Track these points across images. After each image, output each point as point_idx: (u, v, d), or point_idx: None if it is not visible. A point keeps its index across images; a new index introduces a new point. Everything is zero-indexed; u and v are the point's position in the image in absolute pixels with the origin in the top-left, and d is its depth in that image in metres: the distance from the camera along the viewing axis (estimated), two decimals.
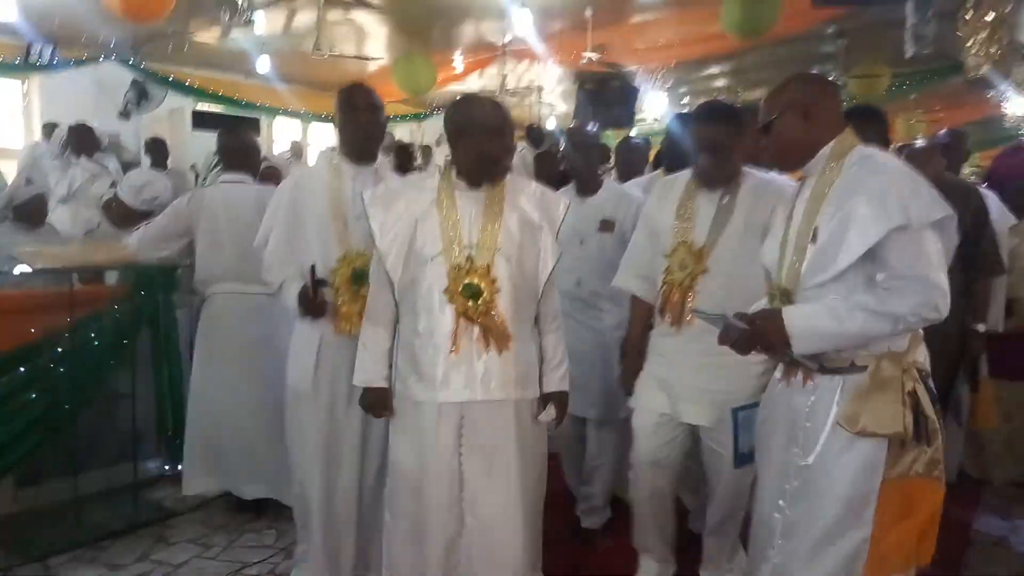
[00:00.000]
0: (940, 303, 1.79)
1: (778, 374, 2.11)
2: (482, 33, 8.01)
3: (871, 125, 2.56)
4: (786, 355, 1.93)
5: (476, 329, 2.17)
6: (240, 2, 5.98)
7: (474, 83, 10.09)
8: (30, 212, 3.94)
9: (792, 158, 2.04)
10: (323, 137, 11.48)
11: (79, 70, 8.23)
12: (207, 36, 7.61)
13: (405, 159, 7.02)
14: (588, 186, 3.08)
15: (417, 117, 11.47)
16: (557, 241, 2.28)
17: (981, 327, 3.43)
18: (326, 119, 10.72)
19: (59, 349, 2.81)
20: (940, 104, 11.39)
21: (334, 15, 7.25)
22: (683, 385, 2.48)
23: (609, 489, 3.14)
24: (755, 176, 2.51)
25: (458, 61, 9.02)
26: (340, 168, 2.59)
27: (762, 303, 2.11)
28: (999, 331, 3.68)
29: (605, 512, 3.19)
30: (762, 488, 2.14)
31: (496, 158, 2.19)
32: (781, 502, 2.00)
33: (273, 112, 10.01)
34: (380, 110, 2.61)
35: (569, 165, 3.39)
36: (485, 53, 8.63)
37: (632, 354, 2.66)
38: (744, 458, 2.38)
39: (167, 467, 3.44)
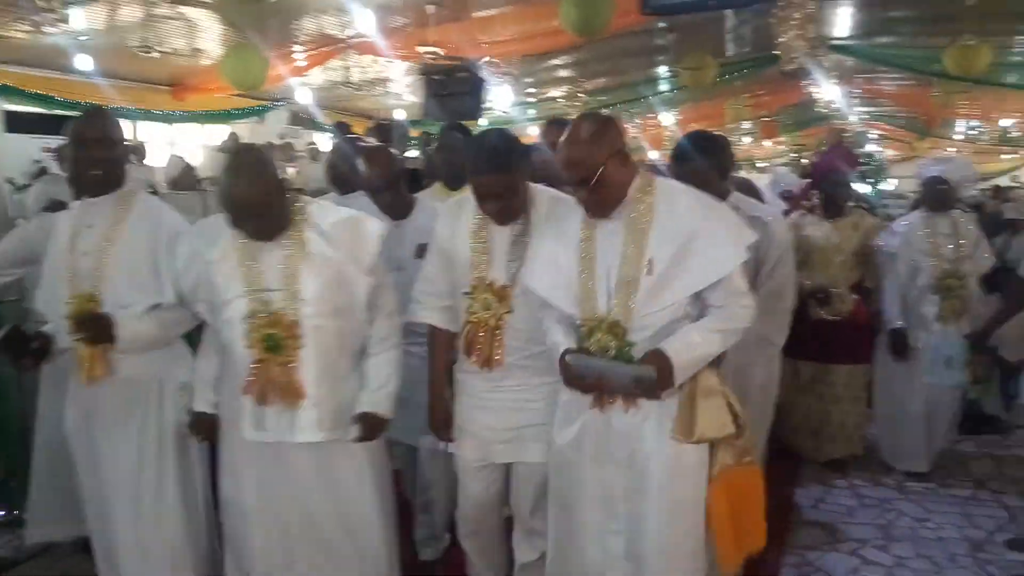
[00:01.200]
0: (754, 308, 2.12)
1: (581, 403, 2.13)
2: (323, 27, 7.83)
3: (716, 157, 2.80)
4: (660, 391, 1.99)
5: (276, 376, 2.19)
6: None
7: (318, 76, 9.86)
8: None
9: (615, 203, 2.08)
10: (157, 135, 10.81)
11: None
12: (17, 31, 6.98)
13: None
14: (401, 209, 2.92)
15: (257, 111, 11.03)
16: (372, 269, 2.29)
17: None
18: (158, 117, 10.12)
19: None
20: (762, 89, 12.31)
21: (162, 9, 6.85)
22: (497, 428, 2.42)
23: (446, 520, 3.06)
24: (542, 195, 2.43)
25: (300, 55, 8.79)
26: (81, 207, 2.55)
27: (560, 337, 2.13)
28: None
29: (443, 541, 3.16)
30: (579, 515, 2.18)
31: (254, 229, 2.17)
32: (614, 525, 2.11)
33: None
34: (103, 143, 2.48)
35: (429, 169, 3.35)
36: (328, 46, 8.45)
37: (438, 392, 2.52)
38: None
39: (1, 512, 3.21)
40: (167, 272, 2.48)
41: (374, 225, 2.35)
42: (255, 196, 2.12)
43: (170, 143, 10.61)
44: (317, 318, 2.21)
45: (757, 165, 27.86)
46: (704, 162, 2.74)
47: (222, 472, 2.40)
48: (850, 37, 9.36)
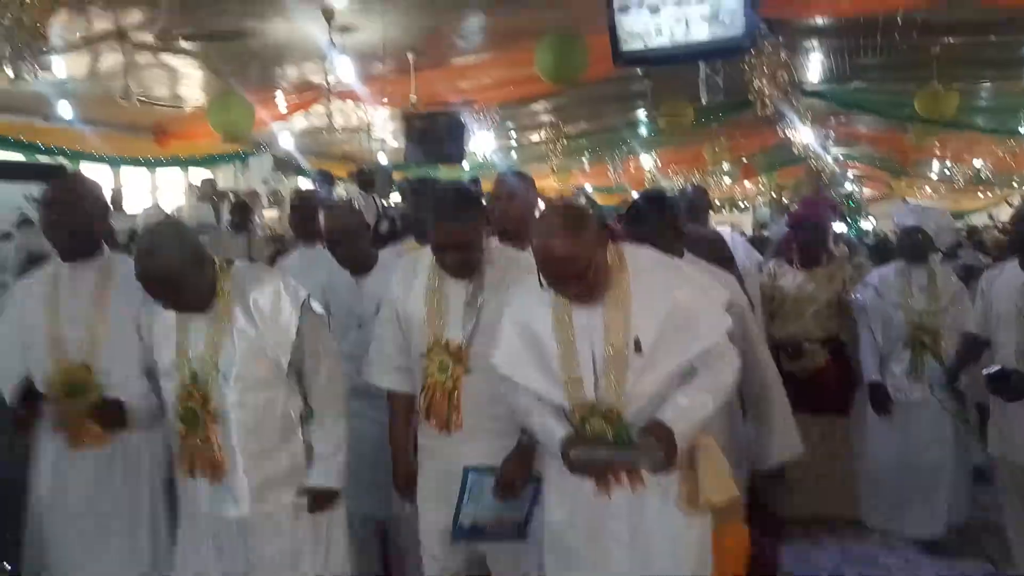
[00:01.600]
0: (738, 358, 2.06)
1: (579, 489, 1.99)
2: (304, 74, 7.94)
3: (668, 217, 2.71)
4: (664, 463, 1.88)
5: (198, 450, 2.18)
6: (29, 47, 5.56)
7: (300, 121, 9.96)
8: None
9: (603, 288, 1.98)
10: (136, 181, 10.84)
11: None
12: None
13: (244, 216, 6.78)
14: (361, 264, 2.89)
15: (240, 157, 11.09)
16: (294, 344, 2.20)
17: None
18: (140, 163, 10.16)
19: None
20: (739, 132, 12.54)
21: (144, 57, 6.93)
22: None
23: None
24: (497, 252, 2.41)
25: (281, 100, 8.90)
26: (57, 269, 2.48)
27: (553, 423, 2.00)
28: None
29: None
30: None
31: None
32: None
33: (78, 157, 9.31)
34: (73, 204, 2.42)
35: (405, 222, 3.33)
36: (309, 93, 8.56)
37: (400, 453, 2.46)
38: (463, 532, 2.27)
39: None
40: None
41: (296, 297, 2.25)
42: (165, 272, 2.08)
43: (153, 189, 10.64)
44: (236, 393, 2.17)
45: (739, 204, 28.37)
46: (657, 223, 2.65)
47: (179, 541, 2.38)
48: (822, 83, 9.62)
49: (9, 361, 2.47)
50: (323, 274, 3.11)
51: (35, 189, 8.00)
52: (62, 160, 8.88)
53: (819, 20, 6.91)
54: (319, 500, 2.29)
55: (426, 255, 2.38)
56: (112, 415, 2.37)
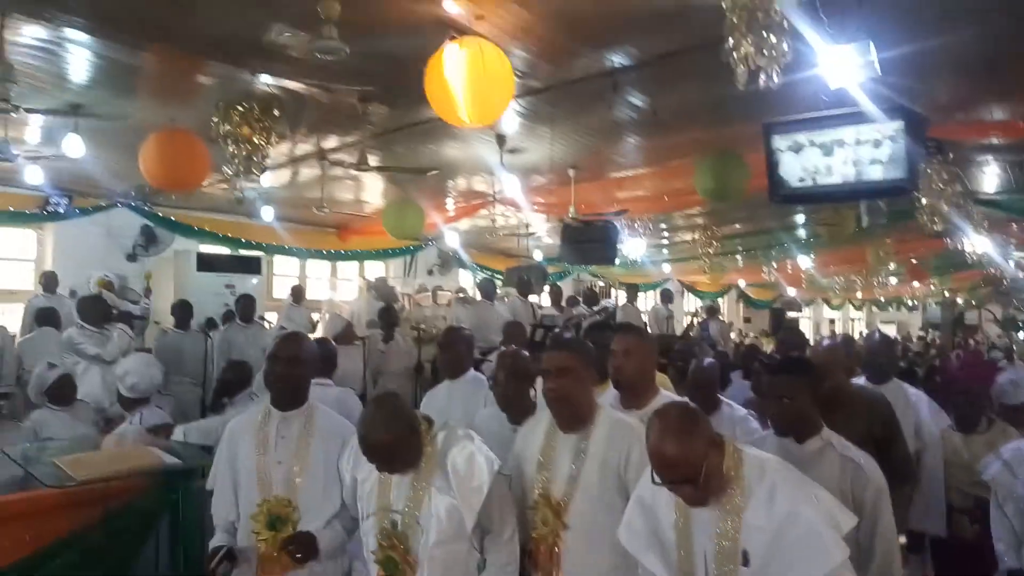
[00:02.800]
0: None
1: None
2: (472, 185, 8.59)
3: (803, 381, 2.63)
4: None
5: None
6: (250, 167, 6.48)
7: (466, 223, 10.67)
8: (61, 394, 4.25)
9: (717, 491, 2.00)
10: (320, 272, 11.97)
11: (91, 217, 8.72)
12: (212, 185, 8.14)
13: (391, 319, 7.35)
14: (519, 413, 2.91)
15: (410, 251, 11.99)
16: (481, 505, 2.32)
17: (901, 537, 3.23)
18: (322, 255, 11.25)
19: (89, 541, 3.04)
20: (908, 236, 12.00)
21: (334, 170, 7.80)
22: None
23: None
24: (609, 414, 2.51)
25: (451, 204, 9.64)
26: (269, 414, 2.78)
27: None
28: (942, 535, 3.77)
29: None
30: None
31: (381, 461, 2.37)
32: None
33: (273, 251, 10.48)
34: (299, 362, 2.76)
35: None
36: (476, 199, 9.21)
37: None
38: None
39: None
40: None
41: (488, 462, 2.40)
42: (386, 442, 2.33)
43: (333, 284, 11.69)
44: (431, 547, 2.34)
45: (908, 303, 26.68)
46: (795, 389, 2.60)
47: None
48: (998, 192, 9.14)
49: (226, 496, 2.78)
50: (471, 409, 3.30)
51: (235, 279, 9.18)
52: (259, 252, 10.05)
53: (993, 140, 6.68)
54: None
55: (546, 416, 2.53)
56: (306, 547, 2.61)
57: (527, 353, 3.19)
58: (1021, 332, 18.14)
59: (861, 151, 4.38)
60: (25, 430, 4.06)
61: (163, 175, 5.63)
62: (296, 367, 2.76)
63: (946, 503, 3.81)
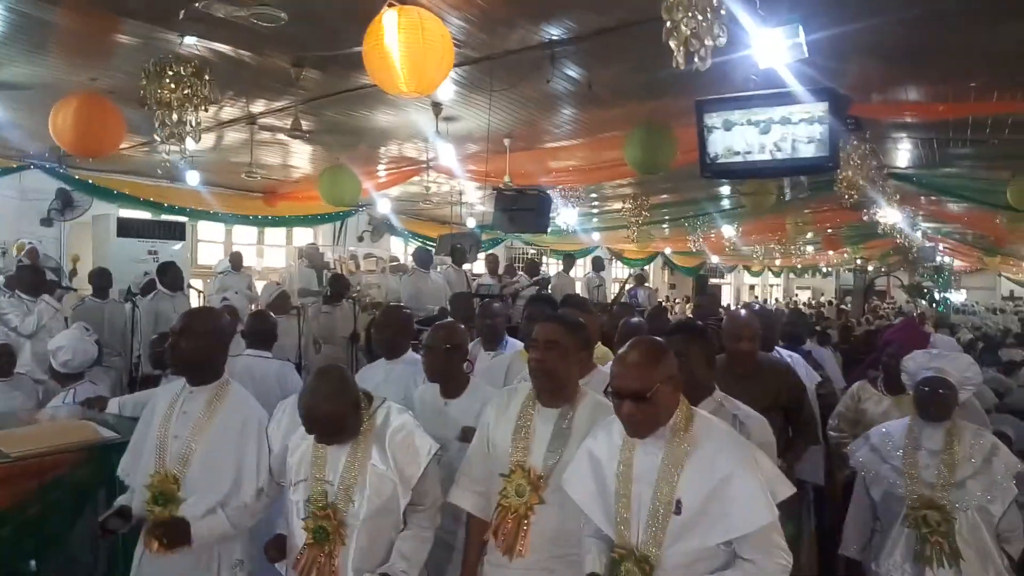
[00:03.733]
0: (789, 563, 2.03)
1: None
2: (405, 152, 8.52)
3: (697, 343, 2.74)
4: None
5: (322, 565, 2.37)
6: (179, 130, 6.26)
7: (397, 189, 10.58)
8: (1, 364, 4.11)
9: (651, 429, 2.07)
10: (246, 237, 11.69)
11: (3, 179, 8.28)
12: (134, 147, 7.84)
13: (340, 288, 7.28)
14: (452, 387, 2.94)
15: (340, 216, 11.81)
16: (414, 488, 2.41)
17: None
18: (250, 221, 10.98)
19: (23, 516, 2.98)
20: (825, 206, 12.52)
21: (262, 135, 7.61)
22: None
23: None
24: (591, 396, 2.50)
25: (382, 171, 9.54)
26: (184, 387, 2.75)
27: (588, 558, 2.17)
28: (820, 483, 3.98)
29: None
30: None
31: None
32: None
33: (198, 216, 10.17)
34: (194, 335, 2.69)
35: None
36: (409, 166, 9.14)
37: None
38: None
39: None
40: (256, 459, 2.68)
41: (425, 444, 2.48)
42: (329, 414, 2.36)
43: (258, 255, 11.42)
44: (362, 519, 2.38)
45: (823, 270, 27.90)
46: (694, 350, 2.69)
47: None
48: (911, 167, 9.62)
49: (130, 459, 2.78)
50: (407, 390, 3.25)
51: (157, 245, 8.89)
52: (183, 218, 9.74)
53: (908, 119, 7.03)
54: None
55: (524, 389, 2.55)
56: (175, 534, 2.55)
57: (463, 326, 3.21)
58: (924, 298, 19.20)
59: (787, 130, 4.57)
60: None
61: (75, 140, 5.36)
62: (192, 340, 2.67)
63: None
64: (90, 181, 8.90)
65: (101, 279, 6.85)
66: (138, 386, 5.77)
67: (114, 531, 2.69)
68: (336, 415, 2.38)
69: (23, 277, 5.96)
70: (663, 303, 13.02)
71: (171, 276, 6.75)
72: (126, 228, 8.81)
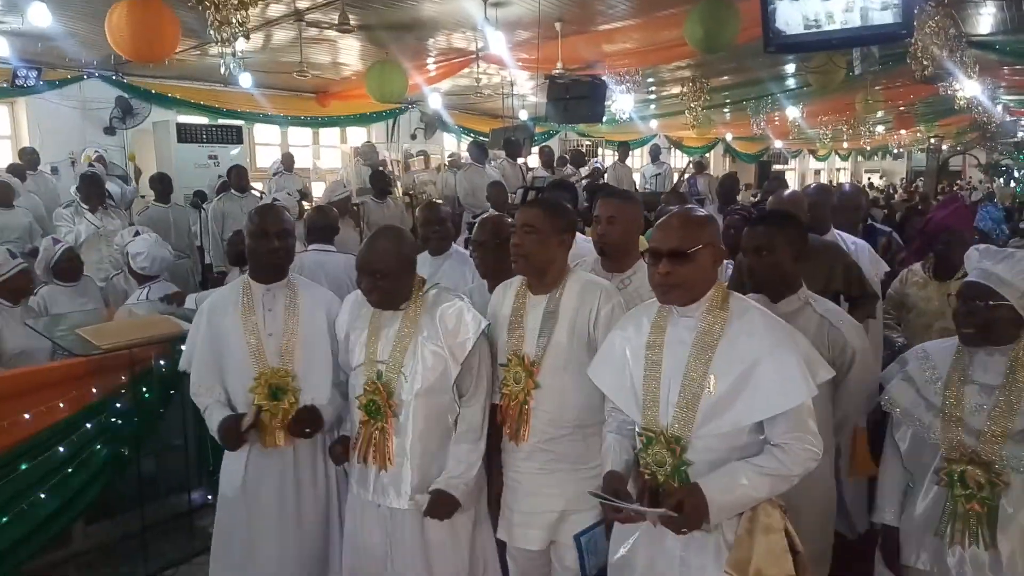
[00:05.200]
0: (819, 451, 1.94)
1: (637, 526, 2.05)
2: (453, 42, 8.31)
3: (784, 234, 2.58)
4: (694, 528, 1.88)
5: (377, 441, 2.41)
6: (227, 32, 6.23)
7: (447, 81, 10.40)
8: (68, 269, 4.31)
9: (685, 295, 1.99)
10: (301, 139, 11.76)
11: (64, 90, 8.44)
12: (187, 51, 7.85)
13: (383, 184, 7.33)
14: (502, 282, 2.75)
15: (392, 114, 11.74)
16: (465, 359, 2.41)
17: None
18: (303, 122, 11.02)
19: (118, 405, 3.22)
20: (897, 81, 11.85)
21: (310, 32, 7.51)
22: (518, 510, 2.49)
23: None
24: (580, 276, 2.50)
25: (431, 64, 9.36)
26: (251, 288, 2.71)
27: (616, 443, 2.12)
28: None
29: None
30: None
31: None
32: None
33: (253, 119, 10.24)
34: (289, 235, 2.71)
35: None
36: (457, 57, 8.94)
37: (492, 468, 2.60)
38: None
39: (210, 496, 3.84)
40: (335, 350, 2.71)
41: (475, 320, 2.47)
42: (384, 266, 2.38)
43: (314, 155, 11.49)
44: (415, 394, 2.41)
45: (893, 151, 26.64)
46: (779, 241, 2.56)
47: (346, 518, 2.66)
48: (992, 33, 8.95)
49: (211, 374, 2.69)
50: (458, 288, 3.14)
51: (217, 150, 9.05)
52: (239, 122, 9.83)
53: None
54: (441, 504, 2.40)
55: (519, 279, 2.56)
56: (310, 421, 2.62)
57: (510, 218, 3.15)
58: (1002, 177, 18.25)
59: None
60: (33, 306, 4.14)
61: (131, 44, 5.39)
62: (286, 239, 2.70)
63: (904, 345, 3.53)
64: (147, 88, 9.00)
65: (162, 184, 7.04)
66: (210, 285, 6.02)
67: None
68: (392, 267, 2.39)
69: (80, 187, 6.17)
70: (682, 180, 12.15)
71: (238, 178, 6.92)
72: (186, 134, 8.96)
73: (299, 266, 3.58)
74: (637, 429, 2.06)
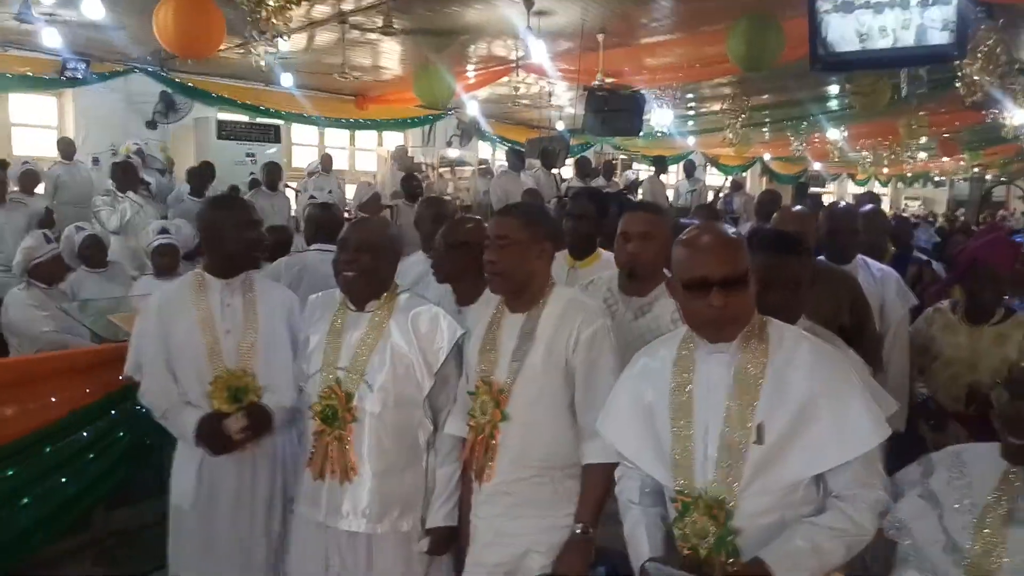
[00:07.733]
0: (890, 501, 1.68)
1: None
2: (494, 50, 8.32)
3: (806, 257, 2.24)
4: None
5: (333, 452, 2.19)
6: (269, 31, 6.29)
7: (485, 89, 10.41)
8: (94, 255, 4.36)
9: (738, 330, 1.66)
10: (338, 141, 11.86)
11: (110, 83, 8.59)
12: (230, 49, 7.95)
13: (415, 188, 7.36)
14: (467, 295, 2.54)
15: (429, 120, 11.78)
16: (436, 373, 2.22)
17: None
18: (341, 124, 11.11)
19: None
20: (943, 108, 11.62)
21: (353, 34, 7.56)
22: (472, 561, 2.17)
23: None
24: (563, 293, 2.19)
25: (471, 71, 9.38)
26: (206, 283, 2.51)
27: (644, 517, 1.78)
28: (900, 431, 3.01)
29: None
30: None
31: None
32: None
33: (292, 119, 10.34)
34: (258, 225, 2.55)
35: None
36: (497, 65, 8.95)
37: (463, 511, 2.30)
38: None
39: None
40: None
41: (451, 328, 2.26)
42: (368, 243, 2.22)
43: (351, 157, 11.57)
44: (378, 403, 2.20)
45: (934, 179, 26.13)
46: (799, 267, 2.15)
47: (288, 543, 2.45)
48: None
49: (164, 377, 2.49)
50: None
51: (254, 147, 9.15)
52: (278, 121, 9.94)
53: None
54: (442, 540, 2.25)
55: (495, 298, 2.26)
56: (262, 420, 2.43)
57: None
58: None
59: (913, 13, 4.13)
60: (65, 290, 4.17)
61: (177, 40, 5.48)
62: (253, 229, 2.54)
63: (929, 399, 3.22)
64: (190, 84, 9.13)
65: (202, 177, 7.14)
66: None
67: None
68: (377, 241, 2.24)
69: (114, 173, 6.27)
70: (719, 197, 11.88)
71: (270, 175, 7.00)
72: (225, 131, 9.10)
73: (301, 265, 3.58)
74: (669, 494, 1.72)
